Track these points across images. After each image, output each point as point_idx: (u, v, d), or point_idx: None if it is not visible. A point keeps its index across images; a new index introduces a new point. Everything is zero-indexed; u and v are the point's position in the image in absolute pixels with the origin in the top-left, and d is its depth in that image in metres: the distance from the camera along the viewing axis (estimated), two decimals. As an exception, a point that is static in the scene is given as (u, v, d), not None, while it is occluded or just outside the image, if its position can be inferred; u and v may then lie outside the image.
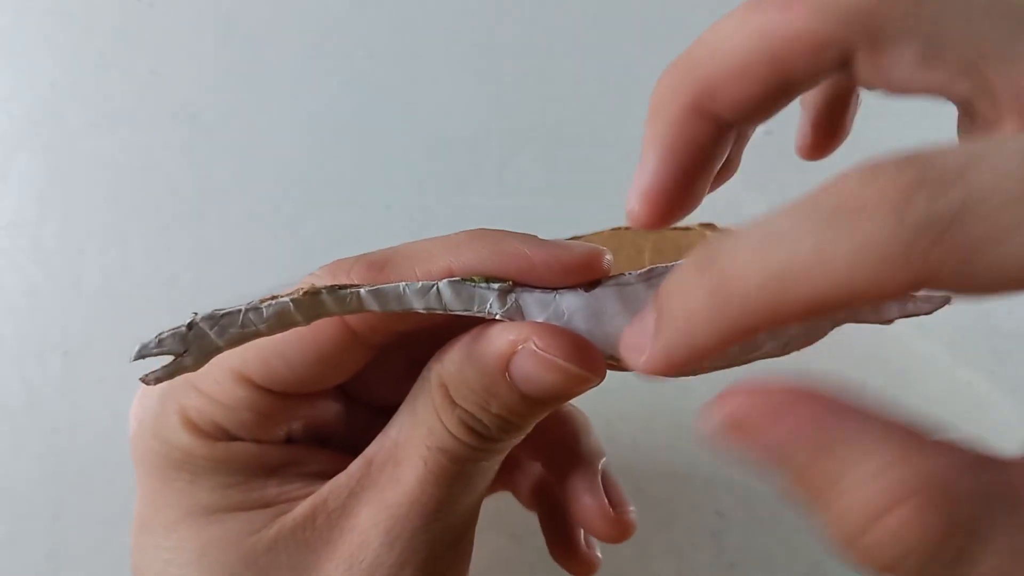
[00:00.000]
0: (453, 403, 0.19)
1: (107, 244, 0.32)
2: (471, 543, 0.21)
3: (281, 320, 0.17)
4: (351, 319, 0.19)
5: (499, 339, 0.18)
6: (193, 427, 0.20)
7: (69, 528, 0.30)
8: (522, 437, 0.20)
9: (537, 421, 0.20)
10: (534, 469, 0.26)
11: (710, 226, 0.32)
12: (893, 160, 0.12)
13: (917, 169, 0.12)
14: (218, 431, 0.20)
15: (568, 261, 0.18)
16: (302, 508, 0.20)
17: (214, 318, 0.17)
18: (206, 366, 0.19)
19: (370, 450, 0.20)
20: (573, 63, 0.34)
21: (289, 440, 0.21)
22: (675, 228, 0.32)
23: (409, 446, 0.19)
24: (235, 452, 0.20)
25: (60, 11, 0.34)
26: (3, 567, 0.30)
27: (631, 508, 0.24)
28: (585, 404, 0.30)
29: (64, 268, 0.32)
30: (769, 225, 0.13)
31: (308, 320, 0.17)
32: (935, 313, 0.20)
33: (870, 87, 0.17)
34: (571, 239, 0.32)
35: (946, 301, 0.19)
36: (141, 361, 0.18)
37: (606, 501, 0.24)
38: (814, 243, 0.13)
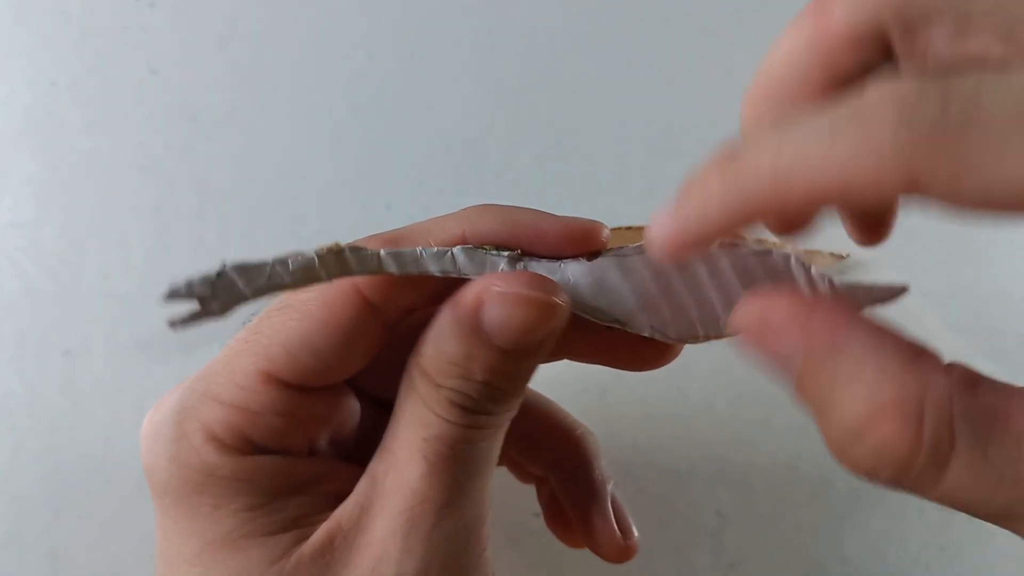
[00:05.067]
0: (437, 386, 0.19)
1: (107, 244, 0.32)
2: (487, 535, 0.21)
3: (306, 274, 0.18)
4: (369, 292, 0.19)
5: (466, 296, 0.18)
6: (218, 443, 0.19)
7: (69, 528, 0.30)
8: (514, 409, 0.20)
9: (523, 384, 0.20)
10: (534, 456, 0.26)
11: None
12: (913, 75, 0.14)
13: (933, 83, 0.13)
14: (245, 443, 0.19)
15: (574, 228, 0.20)
16: (319, 534, 0.19)
17: (243, 267, 0.18)
18: (226, 373, 0.19)
19: (373, 464, 0.20)
20: (573, 63, 0.34)
21: (312, 453, 0.21)
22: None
23: (406, 446, 0.19)
24: (261, 467, 0.20)
25: (60, 11, 0.34)
26: (3, 567, 0.30)
27: (636, 534, 0.26)
28: (585, 404, 0.30)
29: (64, 268, 0.32)
30: (795, 122, 0.15)
31: (331, 277, 0.18)
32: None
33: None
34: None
35: (904, 290, 0.20)
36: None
37: (616, 527, 0.25)
38: (825, 138, 0.14)
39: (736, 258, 0.20)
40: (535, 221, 0.20)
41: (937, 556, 0.31)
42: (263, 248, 0.32)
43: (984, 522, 0.14)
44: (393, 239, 0.20)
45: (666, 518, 0.31)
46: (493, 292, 0.18)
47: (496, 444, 0.20)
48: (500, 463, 0.28)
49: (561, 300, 0.18)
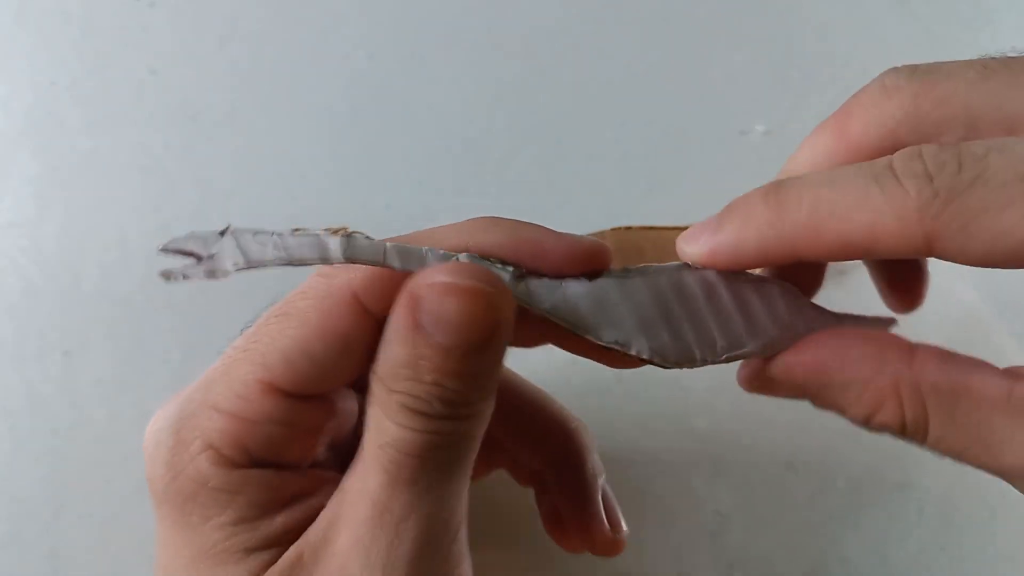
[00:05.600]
0: (390, 391, 0.18)
1: (107, 244, 0.32)
2: (459, 552, 0.20)
3: (310, 252, 0.18)
4: (366, 299, 0.19)
5: (400, 298, 0.18)
6: (215, 452, 0.19)
7: (69, 528, 0.30)
8: (479, 414, 0.19)
9: (481, 385, 0.19)
10: (529, 449, 0.26)
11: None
12: (934, 144, 0.17)
13: (950, 151, 0.16)
14: (242, 453, 0.19)
15: (578, 249, 0.20)
16: (291, 551, 0.19)
17: (247, 233, 0.18)
18: (225, 382, 0.19)
19: (344, 476, 0.20)
20: (573, 63, 0.34)
21: (311, 463, 0.21)
22: (675, 227, 0.32)
23: (367, 455, 0.19)
24: (252, 481, 0.19)
25: (60, 11, 0.34)
26: (3, 567, 0.30)
27: (625, 529, 0.25)
28: (586, 403, 0.30)
29: (64, 268, 0.32)
30: (831, 172, 0.18)
31: (333, 260, 0.18)
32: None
33: None
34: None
35: (892, 323, 0.22)
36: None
37: (606, 521, 0.25)
38: (860, 190, 0.17)
39: (732, 284, 0.20)
40: (539, 238, 0.20)
41: (937, 556, 0.31)
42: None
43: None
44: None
45: (666, 518, 0.31)
46: (422, 285, 0.18)
47: (464, 454, 0.20)
48: (499, 465, 0.28)
49: (495, 287, 0.18)
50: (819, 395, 0.19)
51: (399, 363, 0.18)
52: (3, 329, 0.31)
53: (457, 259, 0.19)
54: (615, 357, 0.20)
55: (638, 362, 0.20)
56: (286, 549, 0.19)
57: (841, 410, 0.19)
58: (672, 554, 0.31)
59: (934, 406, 0.18)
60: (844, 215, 0.17)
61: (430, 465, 0.19)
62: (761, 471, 0.31)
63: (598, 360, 0.22)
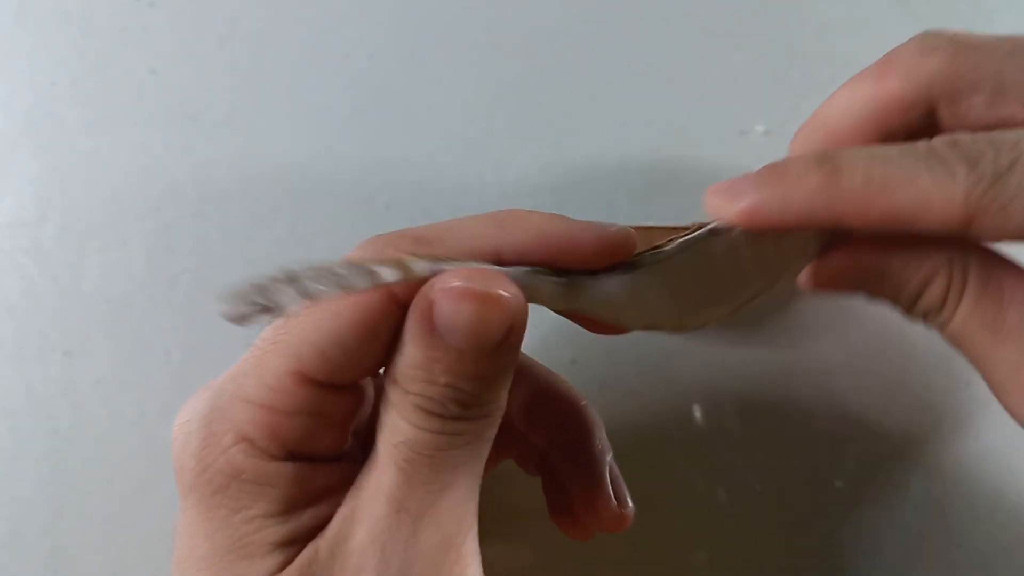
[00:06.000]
0: (405, 391, 0.19)
1: (107, 244, 0.32)
2: (471, 551, 0.20)
3: (369, 280, 0.18)
4: (398, 289, 0.19)
5: (419, 296, 0.18)
6: (249, 444, 0.19)
7: (69, 528, 0.30)
8: (493, 415, 0.20)
9: (495, 387, 0.19)
10: (538, 426, 0.26)
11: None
12: (967, 133, 0.19)
13: (985, 140, 0.19)
14: (276, 445, 0.19)
15: (607, 241, 0.20)
16: (307, 549, 0.19)
17: (304, 275, 0.18)
18: (256, 374, 0.19)
19: (359, 474, 0.20)
20: (573, 63, 0.34)
21: (340, 456, 0.21)
22: (676, 227, 0.32)
23: (383, 453, 0.19)
24: (285, 474, 0.19)
25: (60, 11, 0.34)
26: (3, 567, 0.30)
27: (631, 505, 0.26)
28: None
29: (64, 268, 0.32)
30: (883, 149, 0.19)
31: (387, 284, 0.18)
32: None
33: (951, 130, 0.22)
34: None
35: None
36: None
37: (612, 497, 0.25)
38: (909, 169, 0.19)
39: (756, 246, 0.21)
40: (568, 233, 0.20)
41: (937, 555, 0.31)
42: (263, 248, 0.32)
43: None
44: (426, 239, 0.19)
45: (666, 518, 0.31)
46: (437, 290, 0.18)
47: (477, 453, 0.20)
48: (508, 455, 0.28)
49: (508, 292, 0.18)
50: (878, 279, 0.21)
51: (414, 365, 0.19)
52: (3, 329, 0.31)
53: (517, 274, 0.19)
54: (614, 327, 0.21)
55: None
56: (302, 546, 0.19)
57: (896, 291, 0.21)
58: (672, 553, 0.31)
59: (971, 286, 0.20)
60: (895, 190, 0.19)
61: (445, 464, 0.19)
62: (763, 471, 0.31)
63: (594, 330, 0.22)
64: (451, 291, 0.18)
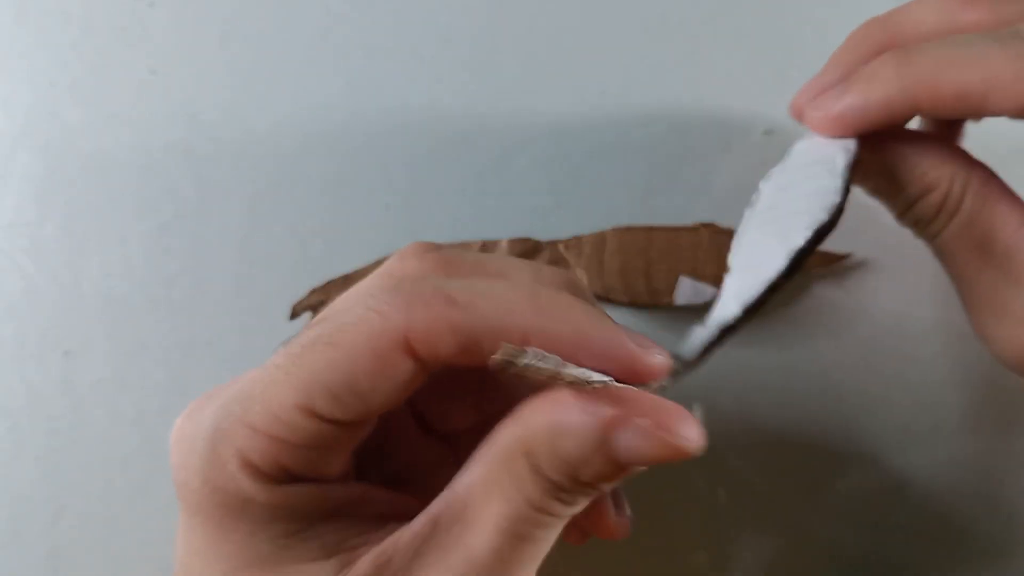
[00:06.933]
0: (538, 473, 0.18)
1: (107, 244, 0.32)
2: None
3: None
4: (417, 344, 0.19)
5: (601, 411, 0.18)
6: (253, 470, 0.19)
7: (69, 528, 0.30)
8: (566, 519, 0.20)
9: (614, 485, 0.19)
10: None
11: (710, 226, 0.32)
12: None
13: None
14: (281, 472, 0.19)
15: (642, 368, 0.19)
16: (364, 566, 0.19)
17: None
18: (264, 402, 0.19)
19: (436, 507, 0.19)
20: (573, 63, 0.34)
21: (345, 478, 0.21)
22: (677, 227, 0.32)
23: (482, 511, 0.19)
24: (296, 495, 0.19)
25: (60, 11, 0.34)
26: (3, 567, 0.30)
27: (629, 512, 0.25)
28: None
29: (64, 268, 0.32)
30: (954, 36, 0.21)
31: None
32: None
33: None
34: (572, 239, 0.32)
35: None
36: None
37: (612, 504, 0.25)
38: (982, 48, 0.20)
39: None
40: (607, 344, 0.19)
41: (938, 555, 0.31)
42: (263, 248, 0.32)
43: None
44: (461, 304, 0.19)
45: (665, 518, 0.31)
46: (635, 425, 0.18)
47: (560, 530, 0.20)
48: None
49: (691, 439, 0.18)
50: (884, 175, 0.23)
51: (566, 458, 0.18)
52: (3, 329, 0.31)
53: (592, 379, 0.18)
54: None
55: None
56: (349, 558, 0.19)
57: (897, 191, 0.23)
58: (672, 554, 0.31)
59: (967, 204, 0.21)
60: (963, 69, 0.20)
61: (540, 542, 0.19)
62: (761, 471, 0.31)
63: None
64: (650, 435, 0.18)
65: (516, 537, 0.19)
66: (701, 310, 0.31)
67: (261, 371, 0.19)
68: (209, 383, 0.21)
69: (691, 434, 0.18)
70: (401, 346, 0.18)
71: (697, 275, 0.31)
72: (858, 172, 0.23)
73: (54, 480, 0.30)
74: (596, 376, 0.18)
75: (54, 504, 0.30)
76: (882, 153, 0.23)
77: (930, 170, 0.22)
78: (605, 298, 0.31)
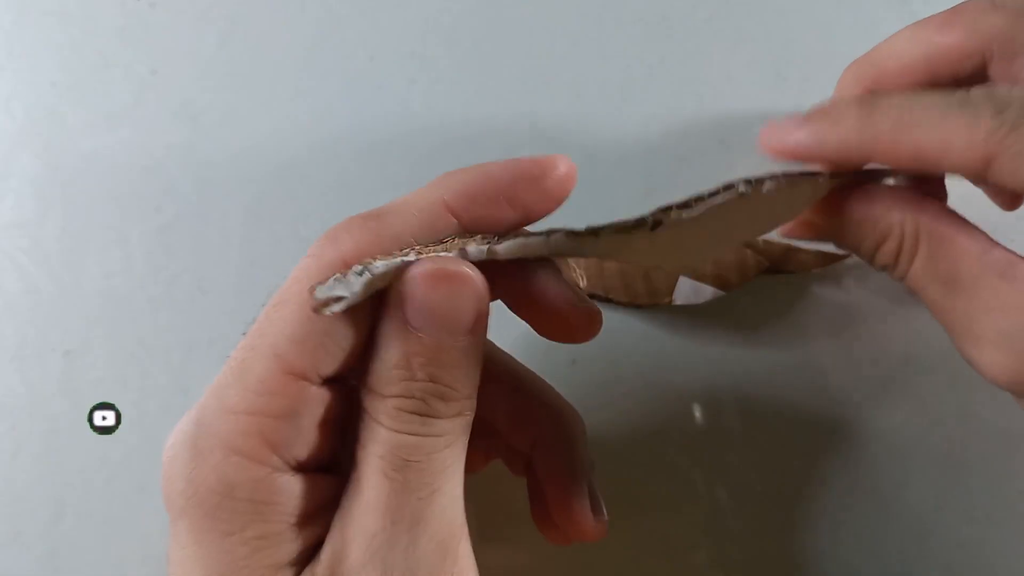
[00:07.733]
0: (383, 397, 0.19)
1: (107, 244, 0.32)
2: (465, 552, 0.20)
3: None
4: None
5: (389, 300, 0.19)
6: (240, 456, 0.19)
7: (69, 528, 0.30)
8: (467, 411, 0.20)
9: (468, 377, 0.20)
10: (520, 430, 0.26)
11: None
12: (1004, 86, 0.21)
13: (1017, 92, 0.20)
14: (267, 452, 0.19)
15: (518, 170, 0.22)
16: (308, 569, 0.19)
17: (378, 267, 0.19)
18: (238, 384, 0.19)
19: (344, 495, 0.20)
20: (573, 63, 0.34)
21: (334, 466, 0.21)
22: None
23: (366, 467, 0.19)
24: (281, 488, 0.19)
25: (60, 11, 0.34)
26: (3, 567, 0.30)
27: (605, 515, 0.26)
28: (586, 403, 0.30)
29: (64, 268, 0.32)
30: (920, 94, 0.21)
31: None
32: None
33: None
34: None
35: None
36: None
37: (589, 506, 0.25)
38: (941, 111, 0.20)
39: (776, 195, 0.23)
40: (513, 167, 0.22)
41: (938, 555, 0.31)
42: (263, 248, 0.32)
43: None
44: (375, 214, 0.21)
45: (665, 517, 0.31)
46: (408, 280, 0.19)
47: (457, 453, 0.20)
48: (495, 456, 0.28)
49: (471, 269, 0.19)
50: (844, 232, 0.23)
51: (392, 365, 0.19)
52: (3, 329, 0.31)
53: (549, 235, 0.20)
54: (556, 326, 0.22)
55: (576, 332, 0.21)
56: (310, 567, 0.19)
57: (857, 244, 0.23)
58: (671, 554, 0.31)
59: (924, 245, 0.22)
60: (923, 130, 0.20)
61: (431, 469, 0.19)
62: (761, 471, 0.31)
63: (537, 328, 0.22)
64: (421, 276, 0.18)
65: (401, 471, 0.19)
66: (701, 310, 0.31)
67: (230, 360, 0.20)
68: (209, 383, 0.21)
69: (461, 263, 0.19)
70: (341, 271, 0.19)
71: (696, 275, 0.31)
72: (818, 232, 0.24)
73: (54, 480, 0.30)
74: (411, 256, 0.19)
75: (54, 504, 0.30)
76: (831, 214, 0.24)
77: (879, 220, 0.23)
78: (605, 298, 0.31)
